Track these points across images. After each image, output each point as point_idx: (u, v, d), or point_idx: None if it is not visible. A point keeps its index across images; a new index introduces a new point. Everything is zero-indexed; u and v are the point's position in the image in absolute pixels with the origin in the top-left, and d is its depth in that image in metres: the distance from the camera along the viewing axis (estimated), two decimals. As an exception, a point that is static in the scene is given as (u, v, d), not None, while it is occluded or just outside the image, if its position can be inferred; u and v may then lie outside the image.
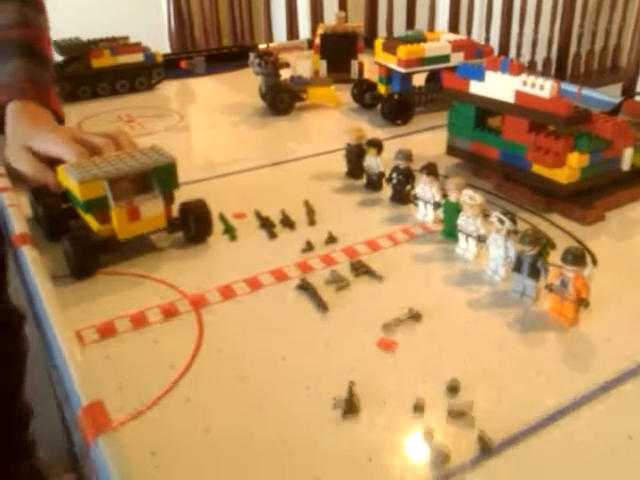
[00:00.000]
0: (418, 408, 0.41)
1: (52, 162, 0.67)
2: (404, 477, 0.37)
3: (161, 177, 0.58)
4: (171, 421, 0.41)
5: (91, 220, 0.57)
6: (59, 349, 0.43)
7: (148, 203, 0.57)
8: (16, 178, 0.70)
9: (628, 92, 1.62)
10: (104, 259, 0.58)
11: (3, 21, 0.81)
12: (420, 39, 0.93)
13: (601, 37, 2.26)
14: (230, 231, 0.63)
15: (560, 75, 1.97)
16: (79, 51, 1.06)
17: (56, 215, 0.62)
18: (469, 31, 2.04)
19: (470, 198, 0.56)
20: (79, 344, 0.46)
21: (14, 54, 0.80)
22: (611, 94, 0.97)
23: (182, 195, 0.63)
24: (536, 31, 2.13)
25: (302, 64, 1.21)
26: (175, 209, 0.61)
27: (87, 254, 0.56)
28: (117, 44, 1.09)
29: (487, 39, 2.08)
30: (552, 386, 0.43)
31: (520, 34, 2.12)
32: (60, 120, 0.81)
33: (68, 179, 0.58)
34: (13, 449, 1.05)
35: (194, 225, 0.61)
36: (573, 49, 2.13)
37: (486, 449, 0.38)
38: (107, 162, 0.58)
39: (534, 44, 2.15)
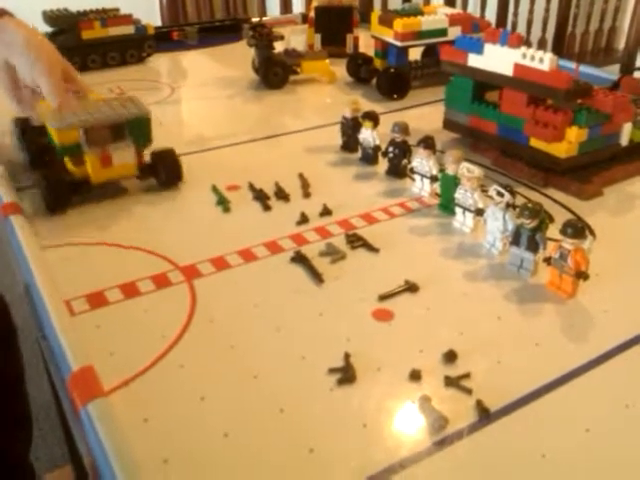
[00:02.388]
0: (415, 376, 0.41)
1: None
2: (400, 443, 0.36)
3: (134, 129, 0.61)
4: (165, 388, 0.40)
5: (67, 161, 0.61)
6: (48, 317, 0.42)
7: (120, 151, 0.60)
8: None
9: (627, 69, 1.61)
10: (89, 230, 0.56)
11: None
12: (417, 12, 0.92)
13: (596, 18, 2.24)
14: (223, 203, 0.62)
15: (555, 55, 1.96)
16: (68, 22, 1.04)
17: (38, 148, 0.66)
18: (464, 10, 2.02)
19: (468, 170, 0.55)
20: (69, 314, 0.45)
21: None
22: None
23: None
24: (531, 11, 2.11)
25: (296, 38, 1.19)
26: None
27: (59, 191, 0.60)
28: (107, 16, 1.07)
29: (482, 18, 2.06)
30: (550, 356, 0.43)
31: (515, 14, 2.10)
32: None
33: (47, 123, 0.61)
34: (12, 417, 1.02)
35: (164, 172, 0.64)
36: (568, 29, 2.12)
37: (484, 415, 0.38)
38: (85, 110, 0.61)
39: (529, 24, 2.13)
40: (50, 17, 1.04)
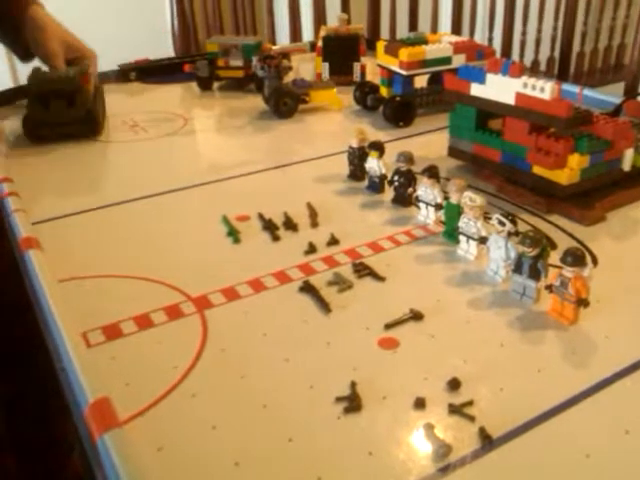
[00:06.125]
0: (419, 404, 0.42)
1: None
2: (405, 470, 0.37)
3: (247, 49, 1.13)
4: (178, 417, 0.42)
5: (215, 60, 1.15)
6: (66, 349, 0.44)
7: (234, 60, 1.14)
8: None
9: (630, 91, 1.62)
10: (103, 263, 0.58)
11: None
12: (422, 41, 0.94)
13: (605, 35, 2.26)
14: (233, 234, 0.64)
15: (563, 74, 1.97)
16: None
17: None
18: (472, 32, 2.04)
19: (470, 200, 0.56)
20: (85, 346, 0.47)
21: None
22: (615, 93, 0.98)
23: (185, 200, 0.63)
24: (539, 30, 2.13)
25: (304, 67, 1.21)
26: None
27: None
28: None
29: (490, 39, 2.08)
30: (552, 382, 0.44)
31: (523, 33, 2.12)
32: None
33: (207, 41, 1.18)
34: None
35: None
36: (576, 48, 2.14)
37: (487, 442, 0.39)
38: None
39: (537, 43, 2.15)
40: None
